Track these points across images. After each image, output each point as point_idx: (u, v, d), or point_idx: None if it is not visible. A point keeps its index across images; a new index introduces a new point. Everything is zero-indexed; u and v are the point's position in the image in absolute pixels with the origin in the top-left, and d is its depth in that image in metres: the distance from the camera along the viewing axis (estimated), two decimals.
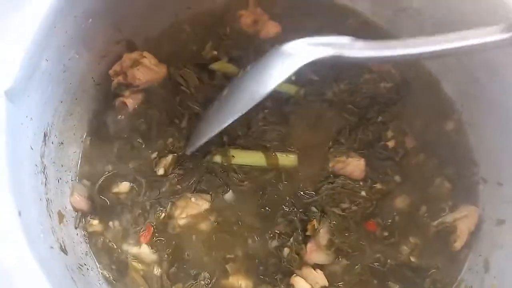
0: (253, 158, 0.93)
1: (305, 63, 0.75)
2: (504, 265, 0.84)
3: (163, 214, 0.89)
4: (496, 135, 0.91)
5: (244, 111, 0.78)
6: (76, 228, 0.87)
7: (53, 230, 0.78)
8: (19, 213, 0.62)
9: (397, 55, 0.72)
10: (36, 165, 0.78)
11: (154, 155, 0.93)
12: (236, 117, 0.79)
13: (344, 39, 0.76)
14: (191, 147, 0.90)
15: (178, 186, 0.91)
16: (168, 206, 0.90)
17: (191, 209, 0.89)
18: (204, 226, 0.89)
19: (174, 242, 0.88)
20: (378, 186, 0.93)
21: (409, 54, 0.72)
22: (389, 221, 0.92)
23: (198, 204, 0.89)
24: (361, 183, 0.93)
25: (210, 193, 0.91)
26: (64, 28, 0.80)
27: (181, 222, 0.88)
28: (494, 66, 0.87)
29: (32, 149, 0.76)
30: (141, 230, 0.87)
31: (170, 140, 0.93)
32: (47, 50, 0.77)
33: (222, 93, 0.88)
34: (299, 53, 0.76)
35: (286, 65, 0.76)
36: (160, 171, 0.91)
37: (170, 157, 0.92)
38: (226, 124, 0.81)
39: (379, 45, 0.74)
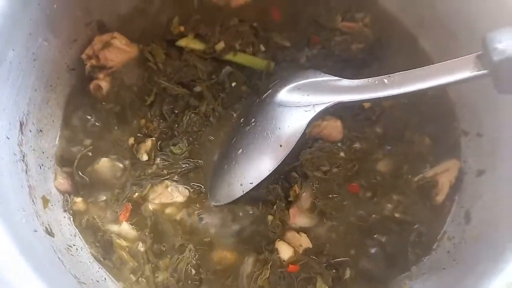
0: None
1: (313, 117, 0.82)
2: (483, 215, 0.85)
3: (138, 194, 0.90)
4: (475, 88, 0.90)
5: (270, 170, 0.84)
6: (65, 210, 0.89)
7: (37, 214, 0.80)
8: None
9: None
10: (15, 154, 0.79)
11: (132, 140, 0.94)
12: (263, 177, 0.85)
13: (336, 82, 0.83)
14: (215, 200, 0.90)
15: (163, 171, 0.92)
16: (147, 188, 0.91)
17: (165, 197, 0.90)
18: (174, 215, 0.90)
19: (151, 222, 0.89)
20: (357, 145, 0.94)
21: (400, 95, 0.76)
22: (372, 181, 0.93)
23: (173, 195, 0.90)
24: (339, 144, 0.94)
25: (190, 189, 0.92)
26: (27, 16, 0.80)
27: (152, 206, 0.89)
28: (472, 22, 0.86)
29: (8, 138, 0.78)
30: (120, 209, 0.89)
31: (143, 121, 0.94)
32: (12, 40, 0.78)
33: (231, 142, 0.91)
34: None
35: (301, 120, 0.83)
36: (144, 157, 0.92)
37: (149, 142, 0.93)
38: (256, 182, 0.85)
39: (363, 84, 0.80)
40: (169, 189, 0.90)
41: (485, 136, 0.91)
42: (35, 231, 0.76)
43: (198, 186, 0.92)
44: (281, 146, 0.84)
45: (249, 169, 0.86)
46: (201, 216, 0.90)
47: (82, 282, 0.78)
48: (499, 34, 0.67)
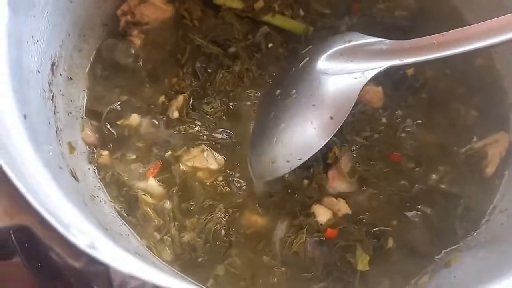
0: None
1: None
2: None
3: (170, 153, 0.85)
4: None
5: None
6: (90, 163, 0.84)
7: (63, 156, 0.76)
8: (24, 116, 0.60)
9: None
10: (44, 90, 0.75)
11: (162, 98, 0.89)
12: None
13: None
14: (258, 176, 0.82)
15: (197, 132, 0.87)
16: (181, 149, 0.86)
17: (199, 161, 0.85)
18: (205, 179, 0.85)
19: (180, 180, 0.83)
20: (399, 112, 0.88)
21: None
22: (415, 150, 0.87)
23: (208, 161, 0.84)
24: (380, 111, 0.89)
25: (225, 159, 0.85)
26: None
27: (184, 167, 0.84)
28: None
29: (39, 72, 0.74)
30: (149, 165, 0.84)
31: (175, 80, 0.90)
32: None
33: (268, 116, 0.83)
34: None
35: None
36: (175, 114, 0.87)
37: (180, 98, 0.88)
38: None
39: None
40: (205, 154, 0.85)
41: None
42: (60, 168, 0.71)
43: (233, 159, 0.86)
44: (331, 118, 0.75)
45: (296, 145, 0.77)
46: (233, 180, 0.84)
47: (106, 228, 0.72)
48: None
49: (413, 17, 0.96)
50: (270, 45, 0.94)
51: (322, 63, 0.80)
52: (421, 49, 0.72)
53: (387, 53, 0.76)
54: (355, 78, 0.74)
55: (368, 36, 0.81)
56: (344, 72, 0.76)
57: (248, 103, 0.90)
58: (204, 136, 0.86)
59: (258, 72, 0.92)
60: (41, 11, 0.74)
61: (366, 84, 0.76)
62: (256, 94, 0.91)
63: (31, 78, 0.70)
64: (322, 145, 0.76)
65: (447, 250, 0.80)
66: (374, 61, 0.75)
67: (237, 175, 0.84)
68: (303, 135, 0.76)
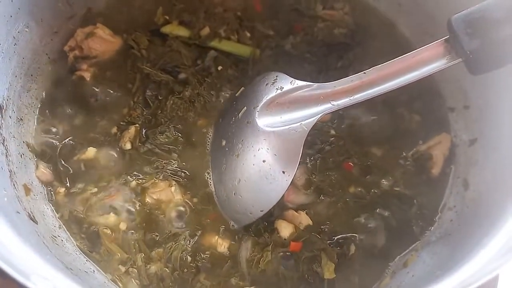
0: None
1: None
2: (479, 178, 0.85)
3: (135, 184, 0.86)
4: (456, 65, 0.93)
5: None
6: (47, 202, 0.83)
7: (20, 200, 0.75)
8: None
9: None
10: None
11: (115, 129, 0.90)
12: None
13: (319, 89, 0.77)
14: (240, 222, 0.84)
15: (153, 163, 0.88)
16: (148, 182, 0.86)
17: (164, 195, 0.85)
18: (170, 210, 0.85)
19: (144, 212, 0.84)
20: (347, 123, 0.93)
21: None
22: (364, 159, 0.91)
23: (174, 195, 0.85)
24: (329, 123, 0.93)
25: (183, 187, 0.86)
26: None
27: (149, 200, 0.84)
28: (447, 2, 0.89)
29: None
30: (108, 195, 0.84)
31: (126, 110, 0.91)
32: None
33: (221, 168, 0.84)
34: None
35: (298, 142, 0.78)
36: (127, 146, 0.88)
37: (132, 129, 0.89)
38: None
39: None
40: (172, 188, 0.85)
41: (472, 107, 0.92)
42: (18, 212, 0.70)
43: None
44: (284, 172, 0.78)
45: (255, 199, 0.81)
46: (194, 208, 0.85)
47: (70, 268, 0.71)
48: (466, 18, 0.66)
49: (352, 33, 1.01)
50: (219, 68, 0.96)
51: (261, 116, 0.81)
52: (347, 90, 0.75)
53: (318, 98, 0.78)
54: (297, 131, 0.77)
55: (296, 80, 0.82)
56: (284, 125, 0.78)
57: (203, 129, 0.92)
58: (161, 167, 0.87)
59: (209, 96, 0.94)
60: None
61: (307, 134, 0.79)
62: (208, 119, 0.93)
63: None
64: (280, 197, 0.79)
65: (406, 250, 0.84)
66: (308, 108, 0.78)
67: (198, 203, 0.85)
68: (260, 190, 0.80)
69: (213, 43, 0.97)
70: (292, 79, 0.82)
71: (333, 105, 0.75)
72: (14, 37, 0.82)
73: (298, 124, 0.77)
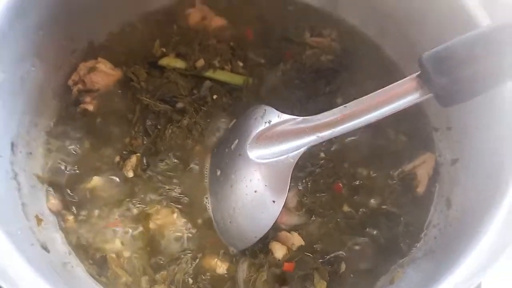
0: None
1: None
2: (462, 198, 0.90)
3: (139, 211, 0.92)
4: None
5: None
6: (57, 230, 0.89)
7: (32, 231, 0.80)
8: None
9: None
10: (7, 172, 0.80)
11: (117, 158, 0.96)
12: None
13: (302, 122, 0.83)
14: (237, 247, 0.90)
15: (155, 191, 0.94)
16: (152, 209, 0.92)
17: (168, 222, 0.91)
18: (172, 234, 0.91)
19: (148, 237, 0.90)
20: (335, 144, 0.98)
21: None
22: (353, 180, 0.97)
23: (176, 222, 0.91)
24: (318, 146, 0.97)
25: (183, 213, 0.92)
26: (16, 40, 0.84)
27: (152, 226, 0.90)
28: (430, 28, 0.94)
29: (1, 156, 0.79)
30: (112, 222, 0.90)
31: (128, 139, 0.97)
32: (2, 63, 0.81)
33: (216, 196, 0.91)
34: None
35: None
36: (129, 174, 0.94)
37: (134, 158, 0.95)
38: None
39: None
40: (174, 215, 0.91)
41: (453, 128, 0.97)
42: (32, 244, 0.76)
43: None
44: (274, 202, 0.85)
45: (249, 227, 0.87)
46: (194, 234, 0.91)
47: None
48: (434, 56, 0.72)
49: (339, 59, 1.06)
50: (215, 96, 1.02)
51: (251, 149, 0.87)
52: (330, 123, 0.81)
53: (303, 131, 0.83)
54: (285, 163, 0.83)
55: (282, 114, 0.88)
56: (273, 157, 0.84)
57: (201, 156, 0.98)
58: (164, 194, 0.93)
59: (205, 124, 1.00)
60: None
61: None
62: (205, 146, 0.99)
63: None
64: (272, 224, 0.86)
65: (393, 266, 0.90)
66: (294, 140, 0.83)
67: (198, 228, 0.91)
68: (253, 218, 0.86)
69: (208, 74, 1.03)
70: (279, 113, 0.88)
71: (317, 137, 0.81)
72: (21, 77, 0.88)
73: (285, 156, 0.83)
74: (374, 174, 0.98)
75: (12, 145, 0.84)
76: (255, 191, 0.85)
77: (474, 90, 0.73)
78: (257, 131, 0.87)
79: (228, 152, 0.90)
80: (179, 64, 1.02)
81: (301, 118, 0.85)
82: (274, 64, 1.06)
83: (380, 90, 0.79)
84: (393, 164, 0.99)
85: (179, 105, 1.00)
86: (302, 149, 0.82)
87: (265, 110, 0.89)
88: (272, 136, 0.86)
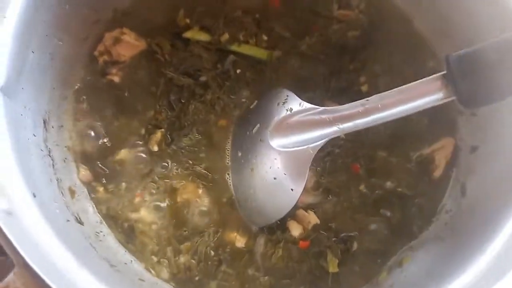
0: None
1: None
2: (477, 188, 0.92)
3: (166, 184, 0.96)
4: None
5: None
6: (89, 200, 0.95)
7: (67, 205, 0.86)
8: (34, 195, 0.70)
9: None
10: (42, 150, 0.85)
11: (143, 131, 0.99)
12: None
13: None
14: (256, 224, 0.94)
15: (179, 165, 0.97)
16: (178, 184, 0.96)
17: (193, 195, 0.95)
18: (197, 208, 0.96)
19: (175, 210, 0.95)
20: None
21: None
22: (372, 163, 0.99)
23: (201, 197, 0.95)
24: None
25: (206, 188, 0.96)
26: (42, 18, 0.84)
27: (179, 199, 0.95)
28: (465, 5, 0.90)
29: (35, 136, 0.83)
30: (139, 193, 0.95)
31: (152, 112, 0.99)
32: (31, 42, 0.82)
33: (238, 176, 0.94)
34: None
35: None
36: (154, 148, 0.97)
37: (158, 134, 0.98)
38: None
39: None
40: (200, 191, 0.96)
41: (478, 115, 0.96)
42: (68, 220, 0.82)
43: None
44: (292, 190, 0.88)
45: (266, 209, 0.91)
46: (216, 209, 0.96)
47: (113, 265, 0.85)
48: (462, 58, 0.70)
49: (365, 33, 1.04)
50: (238, 71, 1.03)
51: (273, 136, 0.90)
52: (351, 115, 0.82)
53: (324, 121, 0.85)
54: (305, 153, 0.86)
55: (304, 102, 0.89)
56: (294, 146, 0.87)
57: (224, 131, 1.00)
58: (188, 169, 0.97)
59: (228, 100, 1.01)
60: (28, 80, 0.82)
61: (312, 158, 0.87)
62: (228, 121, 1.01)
63: (30, 145, 0.80)
64: (289, 210, 0.90)
65: (404, 247, 0.95)
66: (315, 130, 0.86)
67: (221, 204, 0.96)
68: (271, 203, 0.90)
69: (233, 47, 1.02)
70: (301, 101, 0.89)
71: (338, 128, 0.83)
72: (50, 53, 0.89)
73: (306, 147, 0.86)
74: (393, 157, 1.00)
75: (44, 122, 0.88)
76: (275, 178, 0.88)
77: (499, 95, 0.72)
78: (279, 118, 0.89)
79: (250, 135, 0.92)
80: (204, 37, 1.02)
81: (322, 108, 0.86)
82: (299, 38, 1.05)
83: (403, 86, 0.79)
84: (412, 146, 1.00)
85: (203, 78, 1.02)
86: (322, 141, 0.84)
87: (287, 96, 0.90)
88: (293, 125, 0.87)
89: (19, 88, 0.78)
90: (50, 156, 0.87)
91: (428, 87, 0.76)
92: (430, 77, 0.76)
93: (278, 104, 0.91)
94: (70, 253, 0.68)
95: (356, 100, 0.97)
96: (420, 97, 0.77)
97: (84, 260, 0.69)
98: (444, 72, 0.75)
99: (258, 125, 0.91)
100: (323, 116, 0.85)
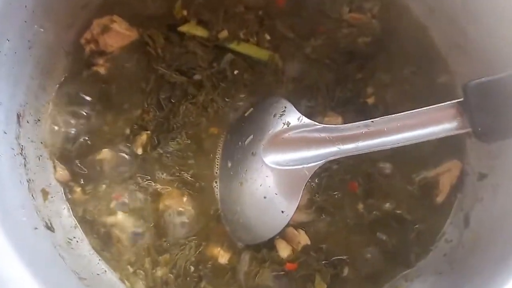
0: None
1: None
2: (482, 220, 0.86)
3: (151, 189, 0.90)
4: None
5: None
6: (65, 201, 0.88)
7: (37, 210, 0.80)
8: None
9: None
10: (13, 148, 0.78)
11: (128, 131, 0.91)
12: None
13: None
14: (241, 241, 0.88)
15: (163, 170, 0.91)
16: (163, 191, 0.90)
17: (177, 204, 0.89)
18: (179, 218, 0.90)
19: (156, 217, 0.89)
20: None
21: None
22: (371, 180, 0.92)
23: (185, 206, 0.89)
24: None
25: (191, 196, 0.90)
26: (22, 3, 0.76)
27: (161, 206, 0.89)
28: (481, 18, 0.83)
29: (5, 133, 0.76)
30: (119, 195, 0.88)
31: (139, 111, 0.92)
32: (6, 30, 0.74)
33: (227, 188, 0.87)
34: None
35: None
36: (139, 151, 0.90)
37: (144, 136, 0.91)
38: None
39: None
40: (184, 199, 0.89)
41: None
42: (36, 228, 0.76)
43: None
44: (283, 212, 0.81)
45: (254, 229, 0.85)
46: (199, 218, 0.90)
47: (83, 278, 0.79)
48: (481, 87, 0.64)
49: (376, 40, 0.96)
50: (235, 71, 0.95)
51: (266, 151, 0.83)
52: (353, 136, 0.75)
53: (323, 140, 0.78)
54: (300, 174, 0.79)
55: (303, 117, 0.82)
56: (288, 165, 0.80)
57: (214, 138, 0.93)
58: (174, 175, 0.90)
59: (223, 103, 0.93)
60: (1, 72, 0.74)
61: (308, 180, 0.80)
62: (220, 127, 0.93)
63: None
64: (277, 233, 0.84)
65: (397, 276, 0.89)
66: (313, 149, 0.78)
67: (206, 215, 0.90)
68: (259, 223, 0.84)
69: (232, 45, 0.94)
70: (300, 114, 0.82)
71: (339, 149, 0.75)
72: (29, 41, 0.81)
73: (301, 167, 0.78)
74: (394, 177, 0.93)
75: (18, 116, 0.81)
76: (265, 197, 0.81)
77: None
78: (274, 131, 0.82)
79: (241, 146, 0.85)
80: (200, 32, 0.93)
81: (322, 125, 0.79)
82: (304, 39, 0.97)
83: (414, 110, 0.72)
84: (416, 167, 0.93)
85: (197, 76, 0.94)
86: (319, 162, 0.77)
87: (285, 107, 0.83)
88: (289, 141, 0.80)
89: None
90: (22, 154, 0.81)
91: (442, 114, 0.69)
92: (445, 103, 0.69)
93: (275, 115, 0.83)
94: (29, 270, 0.61)
95: (360, 113, 0.92)
96: (432, 124, 0.70)
97: (44, 275, 0.62)
98: (461, 99, 0.67)
99: (252, 136, 0.84)
100: (323, 135, 0.77)
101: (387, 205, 0.92)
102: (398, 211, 0.92)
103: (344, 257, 0.89)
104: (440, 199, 0.92)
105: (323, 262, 0.88)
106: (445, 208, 0.92)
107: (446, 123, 0.69)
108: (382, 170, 0.93)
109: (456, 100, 0.69)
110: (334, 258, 0.89)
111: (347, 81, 0.95)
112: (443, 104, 0.70)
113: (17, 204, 0.74)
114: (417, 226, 0.91)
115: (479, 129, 0.66)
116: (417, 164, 0.93)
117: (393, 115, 0.73)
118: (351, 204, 0.92)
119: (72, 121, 0.92)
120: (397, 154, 0.93)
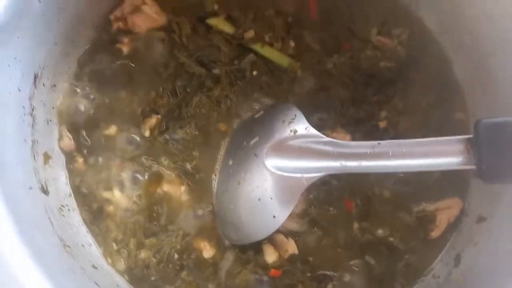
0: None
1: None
2: (473, 262, 0.84)
3: (152, 172, 0.90)
4: None
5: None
6: (64, 168, 0.89)
7: (36, 171, 0.81)
8: None
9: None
10: (24, 107, 0.79)
11: (139, 111, 0.92)
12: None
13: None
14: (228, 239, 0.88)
15: (168, 157, 0.91)
16: (164, 177, 0.90)
17: (175, 191, 0.89)
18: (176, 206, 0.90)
19: (152, 199, 0.89)
20: None
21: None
22: (369, 205, 0.91)
23: (182, 193, 0.89)
24: None
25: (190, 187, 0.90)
26: None
27: (160, 191, 0.89)
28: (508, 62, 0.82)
29: (19, 90, 0.77)
30: (119, 170, 0.89)
31: (153, 94, 0.92)
32: None
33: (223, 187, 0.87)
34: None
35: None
36: (146, 133, 0.91)
37: (154, 119, 0.91)
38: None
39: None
40: (182, 188, 0.90)
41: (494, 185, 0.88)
42: (30, 188, 0.77)
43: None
44: (274, 217, 0.81)
45: (244, 229, 0.84)
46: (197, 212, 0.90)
47: (67, 245, 0.79)
48: (493, 127, 0.64)
49: (398, 68, 0.96)
50: (254, 72, 0.95)
51: (269, 155, 0.82)
52: (356, 154, 0.74)
53: (327, 153, 0.78)
54: (298, 183, 0.79)
55: (311, 128, 0.82)
56: (287, 172, 0.79)
57: (222, 134, 0.93)
58: (177, 163, 0.91)
59: (236, 101, 0.94)
60: (27, 31, 0.75)
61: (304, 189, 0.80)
62: (229, 125, 0.94)
63: (9, 101, 0.73)
64: (266, 236, 0.84)
65: None
66: (315, 161, 0.78)
67: (200, 208, 0.90)
68: (249, 224, 0.84)
69: (255, 46, 0.95)
70: (308, 125, 0.82)
71: (341, 165, 0.75)
72: (59, 7, 0.82)
73: (300, 175, 0.78)
74: (393, 203, 0.92)
75: (35, 77, 0.82)
76: (259, 199, 0.81)
77: None
78: (280, 137, 0.82)
79: (246, 147, 0.85)
80: (228, 28, 0.94)
81: (329, 139, 0.79)
82: (327, 54, 0.97)
83: (422, 139, 0.71)
84: (417, 198, 0.92)
85: (216, 70, 0.94)
86: (319, 174, 0.77)
87: (295, 115, 0.83)
88: (293, 148, 0.80)
89: (13, 37, 0.72)
90: (32, 115, 0.82)
91: (449, 147, 0.69)
92: (454, 137, 0.69)
93: (284, 121, 0.84)
94: (15, 228, 0.62)
95: (370, 135, 0.92)
96: (437, 155, 0.69)
97: (30, 236, 0.63)
98: (470, 136, 0.67)
99: (257, 138, 0.84)
100: (327, 148, 0.77)
101: (380, 231, 0.91)
102: (390, 239, 0.91)
103: (330, 273, 0.88)
104: (435, 234, 0.91)
105: (308, 274, 0.87)
106: (438, 244, 0.91)
107: (452, 156, 0.68)
108: (381, 195, 0.92)
109: (466, 136, 0.68)
110: (319, 272, 0.88)
111: (363, 102, 0.95)
112: (452, 137, 0.69)
113: (16, 160, 0.74)
114: (407, 256, 0.90)
115: (484, 167, 0.65)
116: (418, 195, 0.92)
117: (401, 140, 0.73)
118: (344, 223, 0.91)
119: (87, 93, 0.93)
120: (400, 181, 0.92)
